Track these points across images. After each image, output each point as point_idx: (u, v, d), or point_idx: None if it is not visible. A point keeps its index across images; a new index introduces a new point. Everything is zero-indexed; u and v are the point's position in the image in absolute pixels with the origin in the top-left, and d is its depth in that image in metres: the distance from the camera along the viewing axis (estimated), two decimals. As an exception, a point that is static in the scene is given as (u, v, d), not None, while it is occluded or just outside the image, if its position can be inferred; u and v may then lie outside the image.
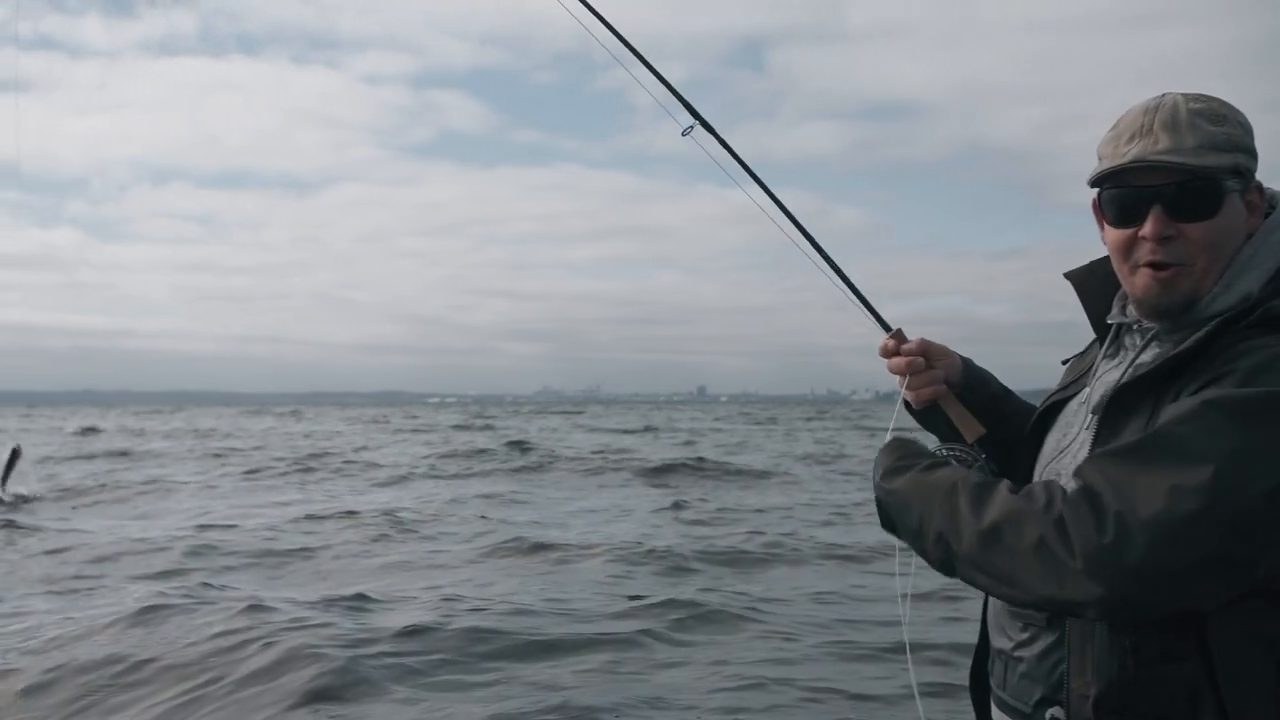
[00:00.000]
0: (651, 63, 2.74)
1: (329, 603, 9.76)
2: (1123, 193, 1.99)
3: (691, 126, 2.67)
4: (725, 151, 2.65)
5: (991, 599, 2.19)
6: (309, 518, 17.04)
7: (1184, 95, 1.98)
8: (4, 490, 20.58)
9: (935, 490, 1.97)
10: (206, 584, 10.79)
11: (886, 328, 2.44)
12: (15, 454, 21.54)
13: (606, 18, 2.80)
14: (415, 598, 10.30)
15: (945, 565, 1.95)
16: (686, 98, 2.70)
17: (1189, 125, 1.93)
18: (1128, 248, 2.00)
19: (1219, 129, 1.94)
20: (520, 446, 36.29)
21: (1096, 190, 2.06)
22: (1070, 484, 1.82)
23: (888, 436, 2.33)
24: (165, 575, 11.99)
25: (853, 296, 2.51)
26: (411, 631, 8.50)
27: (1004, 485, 1.90)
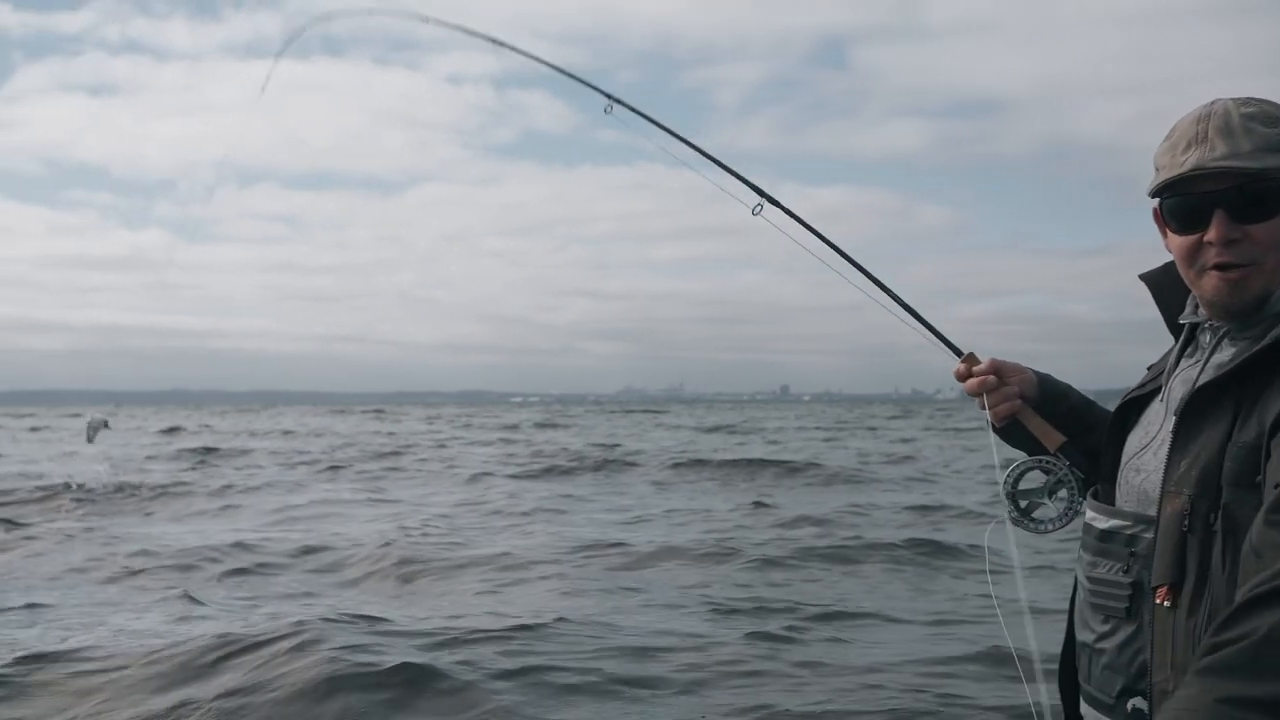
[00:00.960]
0: (718, 157, 2.90)
1: (397, 605, 9.47)
2: (1184, 200, 2.04)
3: (760, 205, 2.78)
4: (796, 222, 2.75)
5: (1078, 594, 2.23)
6: (385, 518, 16.91)
7: (1234, 100, 2.02)
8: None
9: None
10: (293, 592, 10.58)
11: (958, 353, 2.53)
12: (98, 423, 21.80)
13: (668, 124, 3.03)
14: (491, 600, 10.01)
15: None
16: (751, 179, 2.81)
17: (1243, 130, 1.97)
18: (1193, 253, 2.05)
19: (1273, 130, 1.98)
20: (602, 446, 36.06)
21: (1157, 200, 2.12)
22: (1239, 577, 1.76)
23: (995, 458, 2.40)
24: (233, 573, 11.84)
25: (926, 331, 2.61)
26: (487, 635, 8.25)
27: (1215, 654, 1.59)
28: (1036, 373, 2.48)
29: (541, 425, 62.33)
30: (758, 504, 18.24)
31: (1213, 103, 2.05)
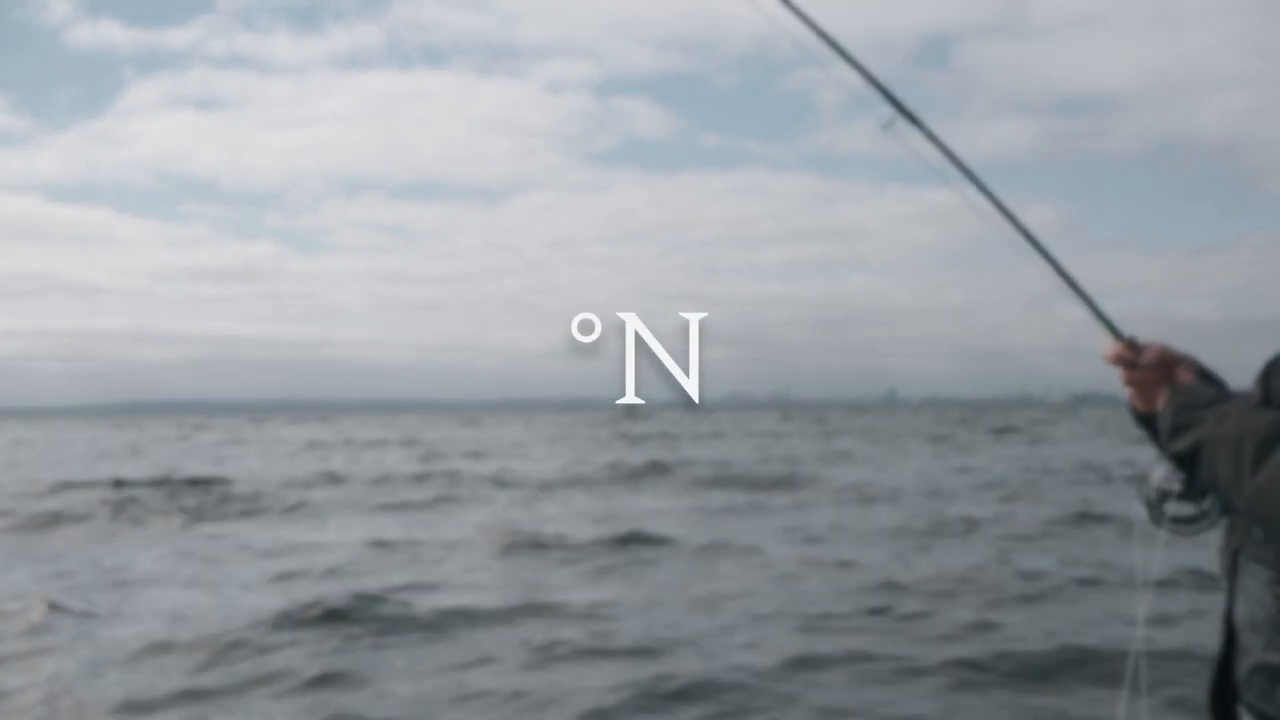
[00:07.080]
0: (847, 51, 2.63)
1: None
2: None
3: (892, 119, 2.56)
4: (931, 146, 2.55)
5: (1236, 610, 2.15)
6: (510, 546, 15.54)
7: None
8: None
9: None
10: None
11: (1118, 335, 2.35)
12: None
13: (799, 8, 2.72)
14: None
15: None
16: (886, 88, 2.57)
17: None
18: None
19: None
20: (784, 465, 34.28)
21: None
22: None
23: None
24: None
25: (1083, 300, 2.43)
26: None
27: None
28: (1197, 366, 2.29)
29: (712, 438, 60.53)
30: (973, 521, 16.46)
31: None
